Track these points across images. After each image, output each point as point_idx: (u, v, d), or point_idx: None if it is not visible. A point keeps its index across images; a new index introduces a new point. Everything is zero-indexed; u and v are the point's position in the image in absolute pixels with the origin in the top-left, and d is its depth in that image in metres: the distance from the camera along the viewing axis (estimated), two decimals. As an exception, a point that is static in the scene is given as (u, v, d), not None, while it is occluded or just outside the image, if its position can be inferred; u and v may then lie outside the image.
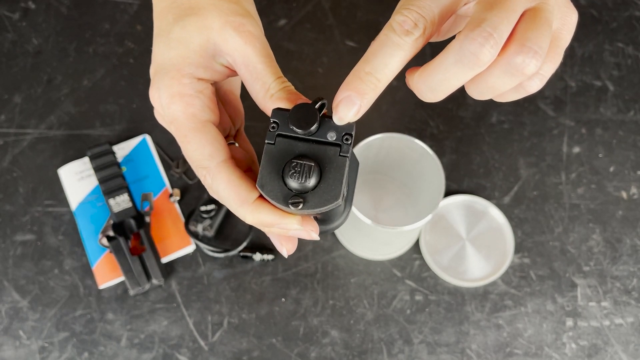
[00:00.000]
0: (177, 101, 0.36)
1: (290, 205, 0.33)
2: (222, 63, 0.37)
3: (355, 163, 0.38)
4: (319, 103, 0.34)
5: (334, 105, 0.33)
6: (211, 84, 0.38)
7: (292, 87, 0.36)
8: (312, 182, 0.33)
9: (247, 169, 0.39)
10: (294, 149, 0.33)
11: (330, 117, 0.34)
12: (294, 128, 0.33)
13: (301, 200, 0.33)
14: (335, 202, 0.33)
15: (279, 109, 0.34)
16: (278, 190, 0.33)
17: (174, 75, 0.36)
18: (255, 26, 0.36)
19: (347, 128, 0.33)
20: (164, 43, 0.37)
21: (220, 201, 0.36)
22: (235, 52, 0.36)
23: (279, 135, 0.34)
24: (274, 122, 0.34)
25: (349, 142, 0.33)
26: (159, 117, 0.38)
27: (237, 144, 0.42)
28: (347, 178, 0.34)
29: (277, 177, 0.33)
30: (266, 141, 0.34)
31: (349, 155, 0.33)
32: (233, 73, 0.38)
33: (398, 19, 0.32)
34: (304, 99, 0.36)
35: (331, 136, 0.33)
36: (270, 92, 0.36)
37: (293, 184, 0.33)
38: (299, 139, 0.34)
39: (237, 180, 0.35)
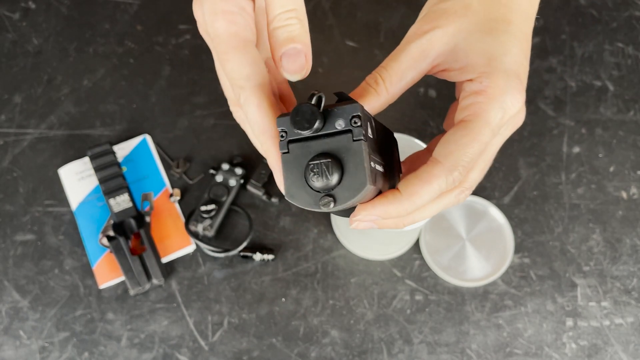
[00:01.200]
0: (219, 18, 0.35)
1: (321, 207, 0.32)
2: None
3: (384, 137, 0.38)
4: (315, 97, 0.32)
5: (354, 218, 0.35)
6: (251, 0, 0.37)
7: (296, 30, 0.34)
8: (335, 178, 0.32)
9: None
10: (309, 149, 0.33)
11: (333, 107, 0.33)
12: (298, 131, 0.32)
13: (331, 198, 0.32)
14: (364, 188, 0.32)
15: (281, 115, 0.34)
16: (307, 196, 0.33)
17: None
18: None
19: (352, 110, 0.32)
20: None
21: (248, 123, 0.36)
22: None
23: (291, 141, 0.33)
24: (282, 130, 0.33)
25: (359, 124, 0.32)
26: (202, 31, 0.38)
27: None
28: (370, 160, 0.33)
29: (302, 183, 0.33)
30: (280, 152, 0.33)
31: (363, 137, 0.32)
32: None
33: (456, 177, 0.36)
34: (301, 49, 0.34)
35: (339, 124, 0.32)
36: (270, 27, 0.34)
37: (317, 185, 0.32)
38: (310, 138, 0.33)
39: (266, 108, 0.35)
